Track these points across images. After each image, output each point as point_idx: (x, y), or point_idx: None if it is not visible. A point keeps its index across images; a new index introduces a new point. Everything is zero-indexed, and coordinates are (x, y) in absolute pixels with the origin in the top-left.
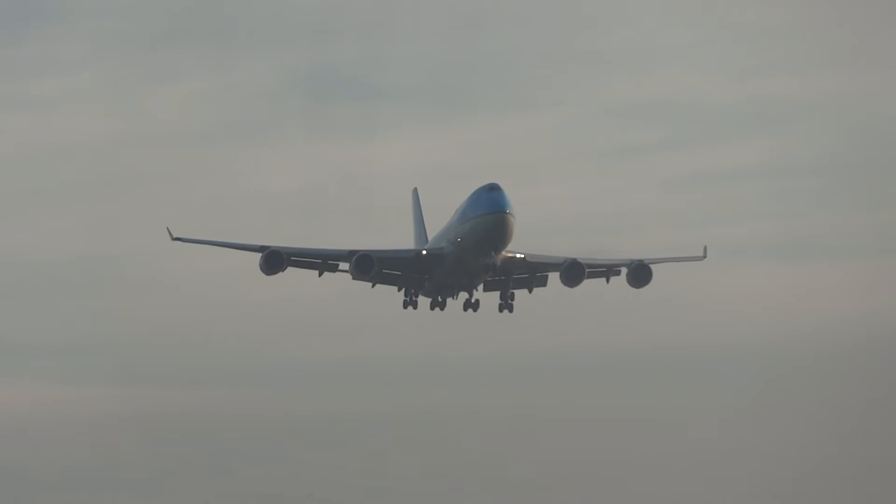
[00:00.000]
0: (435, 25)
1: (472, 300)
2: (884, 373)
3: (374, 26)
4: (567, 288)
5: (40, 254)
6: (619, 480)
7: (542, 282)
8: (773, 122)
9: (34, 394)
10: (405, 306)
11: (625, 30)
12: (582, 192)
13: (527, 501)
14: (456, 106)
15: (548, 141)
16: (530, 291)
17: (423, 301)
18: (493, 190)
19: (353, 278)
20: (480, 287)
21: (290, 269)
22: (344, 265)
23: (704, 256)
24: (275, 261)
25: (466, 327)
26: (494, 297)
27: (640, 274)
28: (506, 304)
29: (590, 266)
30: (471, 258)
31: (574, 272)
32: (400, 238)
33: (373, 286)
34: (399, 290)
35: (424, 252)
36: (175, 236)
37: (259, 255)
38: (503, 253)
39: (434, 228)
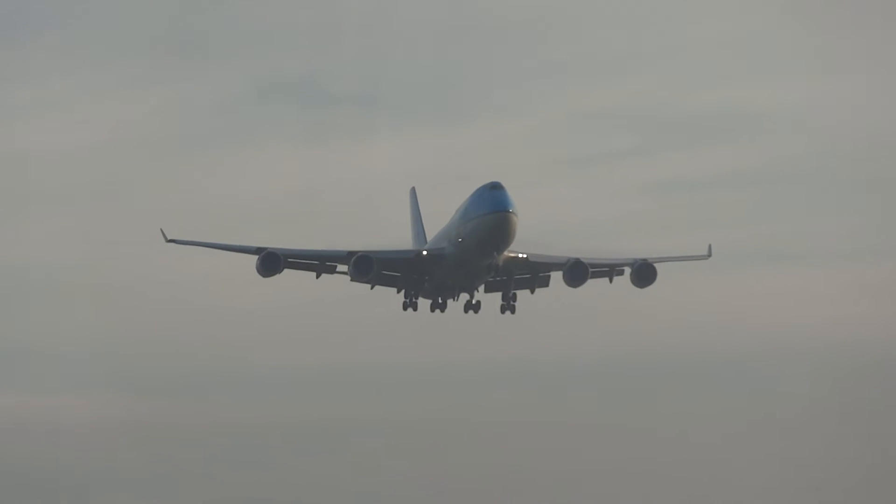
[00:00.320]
0: (408, 33)
1: (473, 301)
2: (859, 378)
3: (348, 34)
4: (570, 288)
5: (13, 261)
6: (625, 488)
7: (545, 282)
8: (743, 130)
9: (22, 400)
10: (405, 308)
11: (595, 37)
12: (553, 197)
13: None
14: (430, 113)
15: (519, 148)
16: (532, 292)
17: (424, 303)
18: (495, 188)
19: (352, 280)
20: (481, 288)
21: (287, 271)
22: (342, 266)
23: (710, 255)
24: (272, 263)
25: (468, 330)
26: (495, 298)
27: (644, 273)
28: (507, 306)
29: (593, 266)
30: (472, 258)
31: (577, 272)
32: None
33: (371, 288)
34: (398, 291)
35: (425, 252)
36: (170, 238)
37: (255, 257)
38: (505, 253)
39: (429, 229)
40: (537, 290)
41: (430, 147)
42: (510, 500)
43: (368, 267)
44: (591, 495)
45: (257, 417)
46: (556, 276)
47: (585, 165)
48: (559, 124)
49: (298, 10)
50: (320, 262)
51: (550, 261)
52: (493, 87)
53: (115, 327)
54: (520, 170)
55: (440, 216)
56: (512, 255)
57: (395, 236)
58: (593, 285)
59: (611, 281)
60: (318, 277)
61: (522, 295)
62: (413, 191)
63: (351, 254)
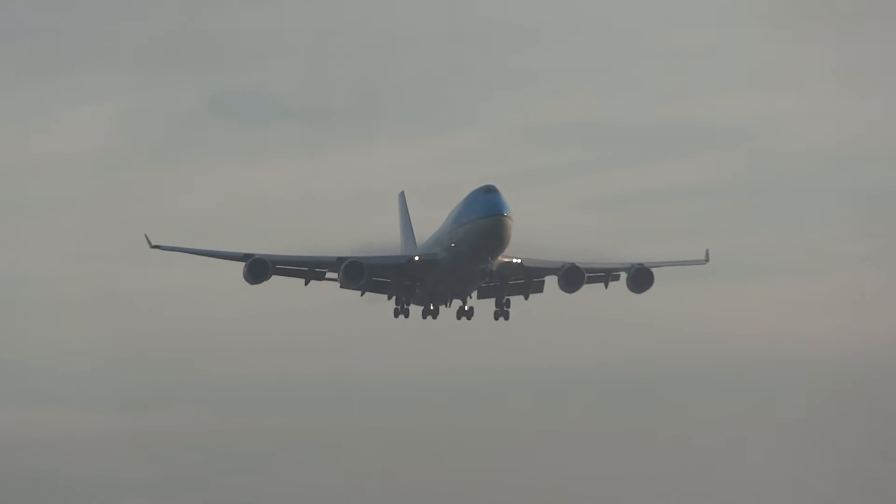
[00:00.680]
0: (354, 49)
1: (466, 308)
2: (824, 391)
3: (296, 49)
4: (564, 293)
5: None
6: (620, 499)
7: (539, 287)
8: (687, 145)
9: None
10: (396, 315)
11: (540, 52)
12: None
13: None
14: (379, 128)
15: (463, 163)
16: (526, 298)
17: (415, 309)
18: (489, 192)
19: (342, 287)
20: (474, 294)
21: (275, 278)
22: (332, 273)
23: (707, 260)
24: (259, 269)
25: (461, 337)
26: (489, 304)
27: (640, 278)
28: (501, 312)
29: (589, 270)
30: (466, 264)
31: (573, 277)
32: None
33: (361, 294)
34: (389, 298)
35: (417, 258)
36: (154, 244)
37: (242, 263)
38: (499, 258)
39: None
40: (531, 296)
41: (378, 160)
42: None
43: (359, 273)
44: None
45: (244, 428)
46: (551, 282)
47: (531, 180)
48: (505, 138)
49: (253, 22)
50: (309, 269)
51: (545, 266)
52: (441, 101)
53: (88, 338)
54: (466, 184)
55: (387, 230)
56: (506, 260)
57: (362, 243)
58: (588, 291)
59: (606, 286)
60: (306, 284)
61: (516, 301)
62: (402, 195)
63: (341, 260)
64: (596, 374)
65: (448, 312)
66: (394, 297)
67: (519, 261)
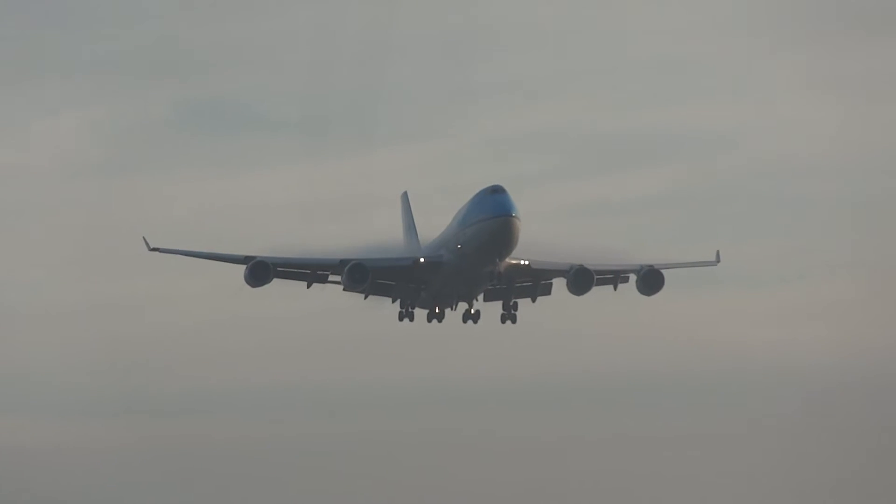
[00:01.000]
0: (320, 58)
1: (472, 311)
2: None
3: (259, 59)
4: (573, 296)
5: None
6: None
7: (546, 290)
8: (660, 154)
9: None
10: (401, 318)
11: (511, 61)
12: None
13: None
14: (344, 138)
15: (433, 172)
16: (534, 301)
17: (420, 312)
18: (496, 192)
19: (345, 289)
20: (480, 297)
21: (276, 281)
22: (334, 276)
23: (718, 261)
24: (261, 272)
25: (467, 341)
26: (495, 307)
27: (651, 280)
28: (508, 315)
29: (597, 272)
30: (473, 266)
31: (582, 279)
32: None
33: (365, 297)
34: (393, 301)
35: (422, 260)
36: (153, 247)
37: (243, 266)
38: (507, 260)
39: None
40: (539, 299)
41: (340, 172)
42: None
43: (363, 276)
44: None
45: (243, 434)
46: (558, 284)
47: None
48: (472, 147)
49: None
50: (312, 271)
51: (553, 267)
52: (415, 110)
53: (62, 348)
54: (434, 193)
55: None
56: (514, 261)
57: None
58: (597, 293)
59: (615, 288)
60: (308, 287)
61: (523, 304)
62: (405, 195)
63: (344, 262)
64: (605, 379)
65: (454, 316)
66: (398, 300)
67: (526, 262)
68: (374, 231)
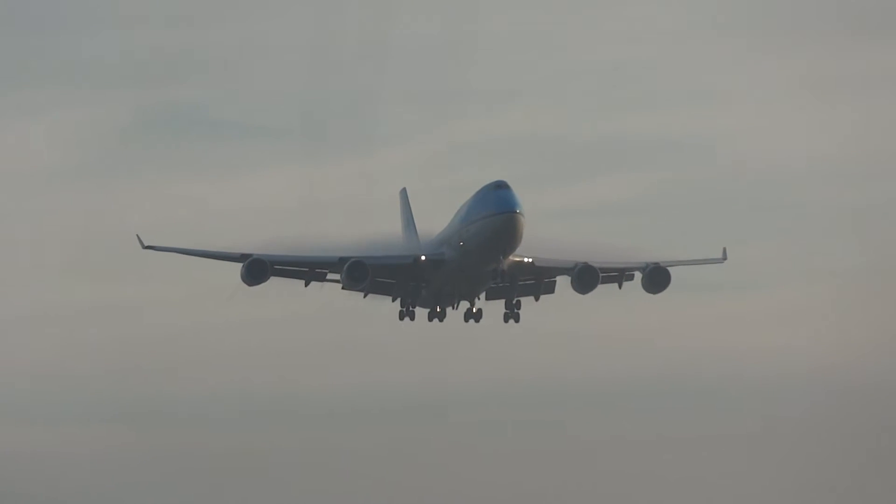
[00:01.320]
0: (285, 63)
1: (474, 310)
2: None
3: (227, 64)
4: (577, 294)
5: None
6: None
7: (550, 288)
8: (628, 160)
9: None
10: (401, 317)
11: (479, 66)
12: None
13: None
14: (307, 144)
15: (398, 178)
16: (537, 299)
17: (421, 311)
18: (500, 188)
19: (344, 288)
20: (482, 295)
21: (273, 280)
22: (333, 274)
23: (725, 258)
24: (258, 270)
25: (469, 341)
26: (498, 306)
27: (656, 278)
28: (511, 314)
29: (602, 270)
30: (475, 264)
31: (587, 277)
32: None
33: (364, 296)
34: (393, 300)
35: (423, 258)
36: (147, 244)
37: (239, 264)
38: (510, 257)
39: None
40: (542, 297)
41: (306, 178)
42: None
43: (363, 274)
44: None
45: (242, 438)
46: (562, 282)
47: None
48: (438, 154)
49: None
50: (310, 269)
51: (558, 265)
52: (375, 117)
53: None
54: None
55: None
56: (517, 259)
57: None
58: (601, 291)
59: (620, 286)
60: (306, 286)
61: (526, 302)
62: (404, 191)
63: (343, 260)
64: (610, 381)
65: (455, 315)
66: (398, 299)
67: (530, 260)
68: (367, 231)
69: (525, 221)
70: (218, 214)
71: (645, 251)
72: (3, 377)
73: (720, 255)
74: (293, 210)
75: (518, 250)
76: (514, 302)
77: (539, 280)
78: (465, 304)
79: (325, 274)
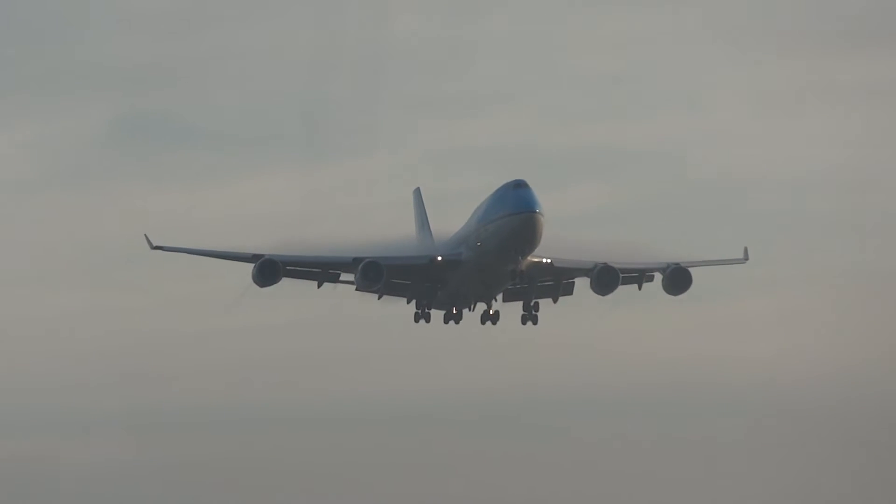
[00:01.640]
0: (285, 63)
1: (491, 312)
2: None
3: (198, 73)
4: (597, 296)
5: None
6: None
7: (569, 289)
8: (603, 169)
9: None
10: (417, 319)
11: (457, 74)
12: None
13: None
14: (289, 151)
15: (373, 186)
16: (555, 301)
17: (437, 313)
18: (519, 187)
19: (358, 289)
20: (499, 297)
21: (285, 281)
22: (347, 275)
23: (747, 259)
24: (270, 271)
25: (486, 343)
26: (515, 307)
27: (677, 279)
28: (529, 316)
29: (622, 271)
30: (493, 264)
31: (607, 278)
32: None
33: (378, 297)
34: (408, 302)
35: (440, 258)
36: (155, 245)
37: (251, 265)
38: (528, 258)
39: None
40: (561, 299)
41: (290, 186)
42: None
43: (378, 274)
44: None
45: (252, 443)
46: (581, 284)
47: (449, 203)
48: (415, 161)
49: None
50: (323, 270)
51: (577, 266)
52: (353, 125)
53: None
54: (378, 206)
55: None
56: (535, 260)
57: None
58: (621, 293)
59: (640, 287)
60: (319, 287)
61: (544, 304)
62: (417, 191)
63: (357, 260)
64: (630, 386)
65: (472, 317)
66: (413, 301)
67: (549, 261)
68: (379, 232)
69: (545, 221)
70: (218, 218)
71: (665, 252)
72: (8, 384)
73: (742, 256)
74: (296, 213)
75: (537, 251)
76: (531, 304)
77: (558, 281)
78: (481, 306)
79: (339, 275)
